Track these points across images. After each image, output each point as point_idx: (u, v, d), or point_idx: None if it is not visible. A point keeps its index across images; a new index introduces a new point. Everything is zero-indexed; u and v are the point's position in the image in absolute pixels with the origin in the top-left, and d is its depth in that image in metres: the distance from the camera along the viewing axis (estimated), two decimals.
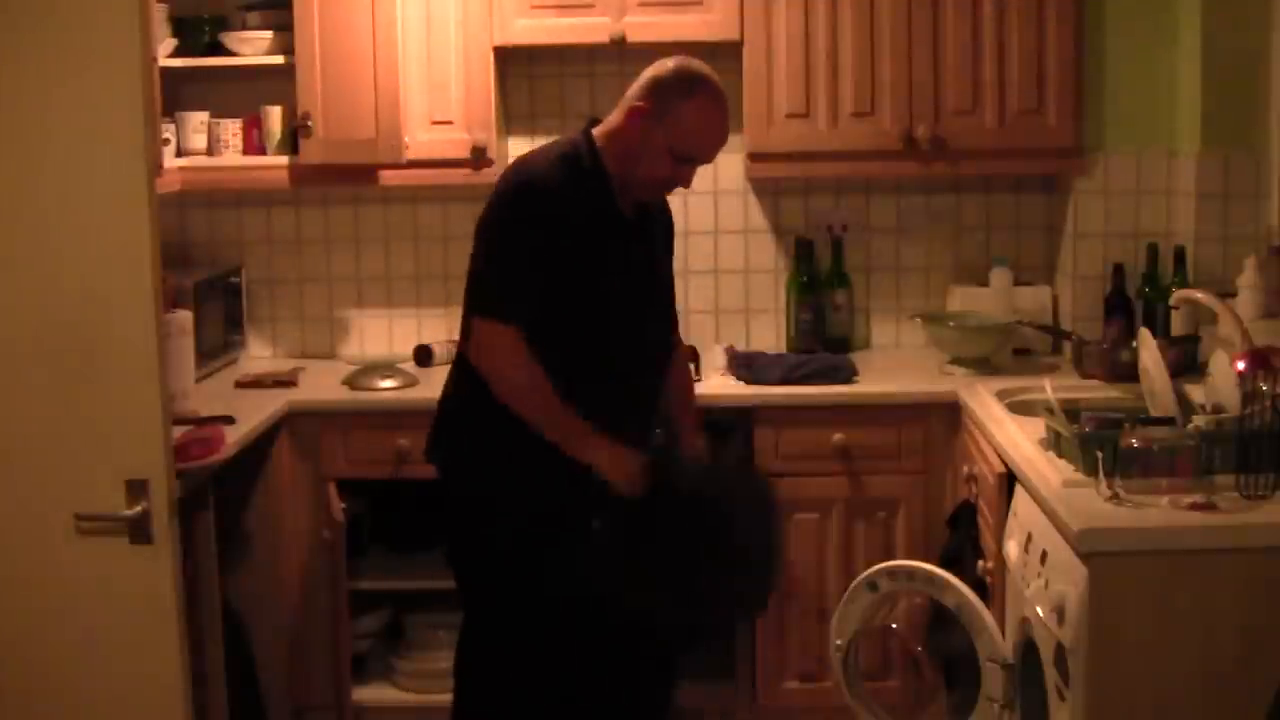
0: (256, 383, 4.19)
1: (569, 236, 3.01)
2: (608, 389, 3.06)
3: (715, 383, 4.07)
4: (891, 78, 4.11)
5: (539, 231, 3.00)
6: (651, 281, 3.25)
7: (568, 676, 3.11)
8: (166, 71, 4.03)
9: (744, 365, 4.12)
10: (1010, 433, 3.33)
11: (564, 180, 3.03)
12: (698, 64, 3.11)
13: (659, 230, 3.30)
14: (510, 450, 3.04)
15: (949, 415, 3.91)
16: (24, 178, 2.57)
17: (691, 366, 3.68)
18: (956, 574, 3.17)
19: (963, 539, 3.51)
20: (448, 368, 4.32)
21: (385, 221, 4.58)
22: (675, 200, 3.37)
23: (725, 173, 4.48)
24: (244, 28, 4.26)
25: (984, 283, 4.41)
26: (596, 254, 3.06)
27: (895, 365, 4.30)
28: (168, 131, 4.14)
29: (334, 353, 4.60)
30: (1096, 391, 3.72)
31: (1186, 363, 3.75)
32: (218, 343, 4.33)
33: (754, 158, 4.21)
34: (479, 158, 4.18)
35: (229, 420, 3.66)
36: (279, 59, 4.15)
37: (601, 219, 3.09)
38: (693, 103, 3.05)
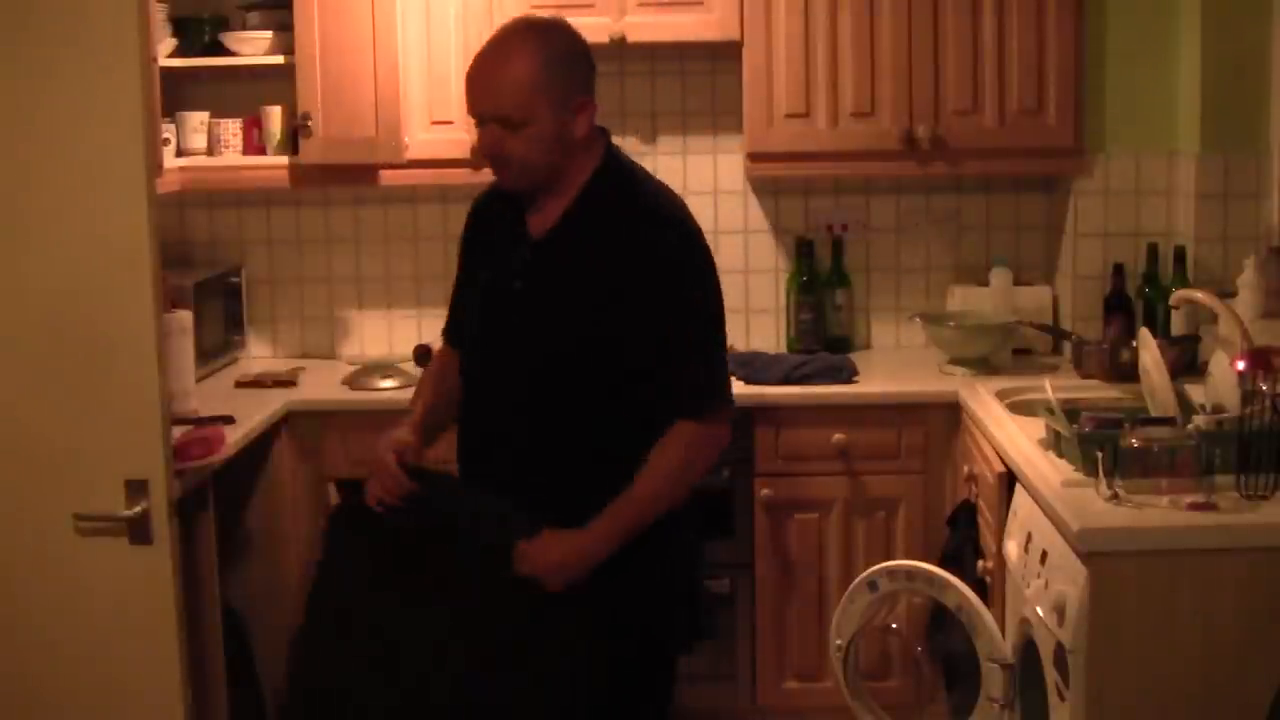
0: (256, 383, 4.19)
1: (466, 252, 2.94)
2: (467, 417, 2.86)
3: None
4: (891, 78, 4.11)
5: (459, 251, 2.96)
6: (527, 310, 2.71)
7: None
8: (166, 71, 4.03)
9: (744, 365, 4.12)
10: (1010, 433, 3.33)
11: (485, 198, 2.93)
12: (518, 16, 2.81)
13: (593, 261, 2.66)
14: None
15: (949, 415, 3.91)
16: (24, 178, 2.57)
17: (674, 454, 2.68)
18: (956, 574, 3.17)
19: (963, 539, 3.51)
20: None
21: (385, 221, 4.58)
22: None
23: (725, 173, 4.48)
24: (244, 28, 4.26)
25: (984, 283, 4.41)
26: (473, 274, 2.87)
27: (895, 365, 4.30)
28: (168, 131, 4.14)
29: (334, 353, 4.59)
30: (1096, 391, 3.71)
31: (1186, 363, 3.75)
32: (218, 343, 4.33)
33: (754, 158, 4.21)
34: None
35: (229, 420, 3.66)
36: (279, 59, 4.15)
37: (496, 238, 2.82)
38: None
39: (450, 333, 3.02)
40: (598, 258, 2.67)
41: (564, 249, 2.71)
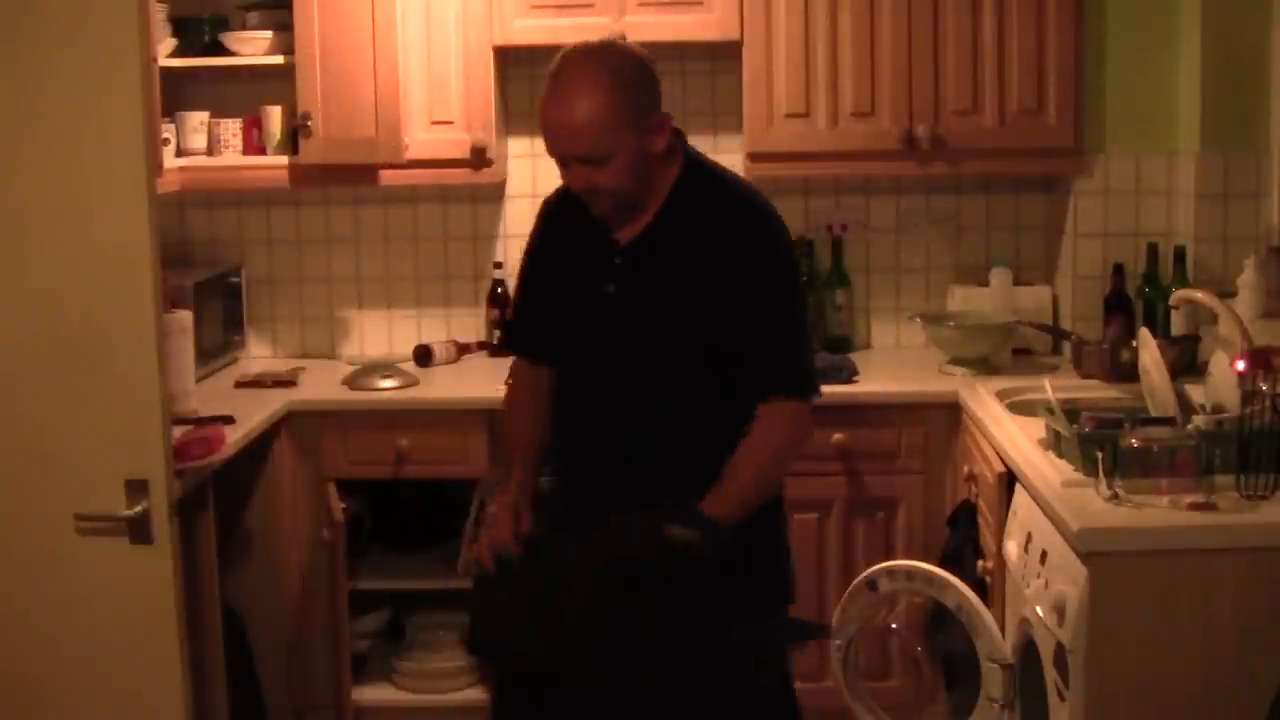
0: (256, 383, 4.19)
1: (537, 257, 2.94)
2: (575, 419, 2.87)
3: None
4: (891, 78, 4.11)
5: (529, 254, 2.97)
6: (623, 313, 2.78)
7: None
8: (166, 71, 4.03)
9: None
10: (1010, 433, 3.33)
11: (558, 200, 2.92)
12: (573, 46, 2.74)
13: (689, 259, 2.75)
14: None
15: (949, 415, 3.90)
16: (24, 178, 2.57)
17: (776, 433, 2.78)
18: (956, 574, 3.16)
19: (963, 539, 3.51)
20: (447, 368, 4.38)
21: (385, 221, 4.58)
22: None
23: None
24: (244, 28, 4.26)
25: (984, 283, 4.41)
26: (548, 280, 2.90)
27: (895, 365, 4.30)
28: (168, 131, 4.14)
29: (334, 353, 4.59)
30: (1096, 391, 3.71)
31: (1186, 363, 3.75)
32: (218, 343, 4.33)
33: (753, 158, 4.21)
34: (479, 158, 4.18)
35: (229, 420, 3.66)
36: (279, 59, 4.15)
37: (575, 242, 2.85)
38: (543, 95, 2.73)
39: (521, 338, 3.00)
40: (692, 255, 2.75)
41: (656, 251, 2.77)
